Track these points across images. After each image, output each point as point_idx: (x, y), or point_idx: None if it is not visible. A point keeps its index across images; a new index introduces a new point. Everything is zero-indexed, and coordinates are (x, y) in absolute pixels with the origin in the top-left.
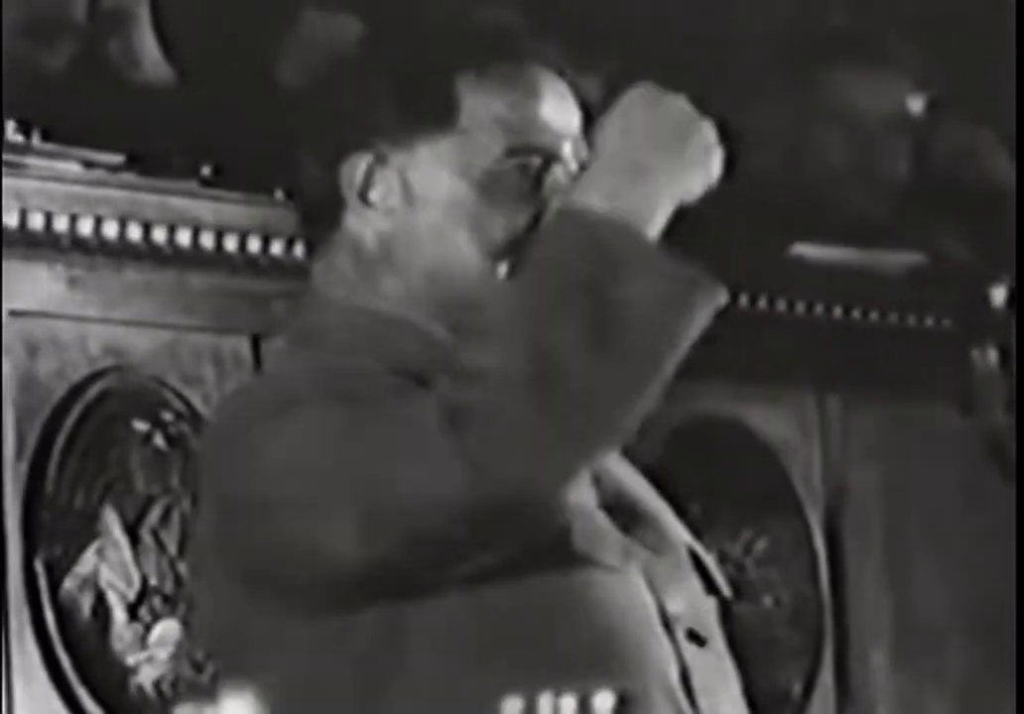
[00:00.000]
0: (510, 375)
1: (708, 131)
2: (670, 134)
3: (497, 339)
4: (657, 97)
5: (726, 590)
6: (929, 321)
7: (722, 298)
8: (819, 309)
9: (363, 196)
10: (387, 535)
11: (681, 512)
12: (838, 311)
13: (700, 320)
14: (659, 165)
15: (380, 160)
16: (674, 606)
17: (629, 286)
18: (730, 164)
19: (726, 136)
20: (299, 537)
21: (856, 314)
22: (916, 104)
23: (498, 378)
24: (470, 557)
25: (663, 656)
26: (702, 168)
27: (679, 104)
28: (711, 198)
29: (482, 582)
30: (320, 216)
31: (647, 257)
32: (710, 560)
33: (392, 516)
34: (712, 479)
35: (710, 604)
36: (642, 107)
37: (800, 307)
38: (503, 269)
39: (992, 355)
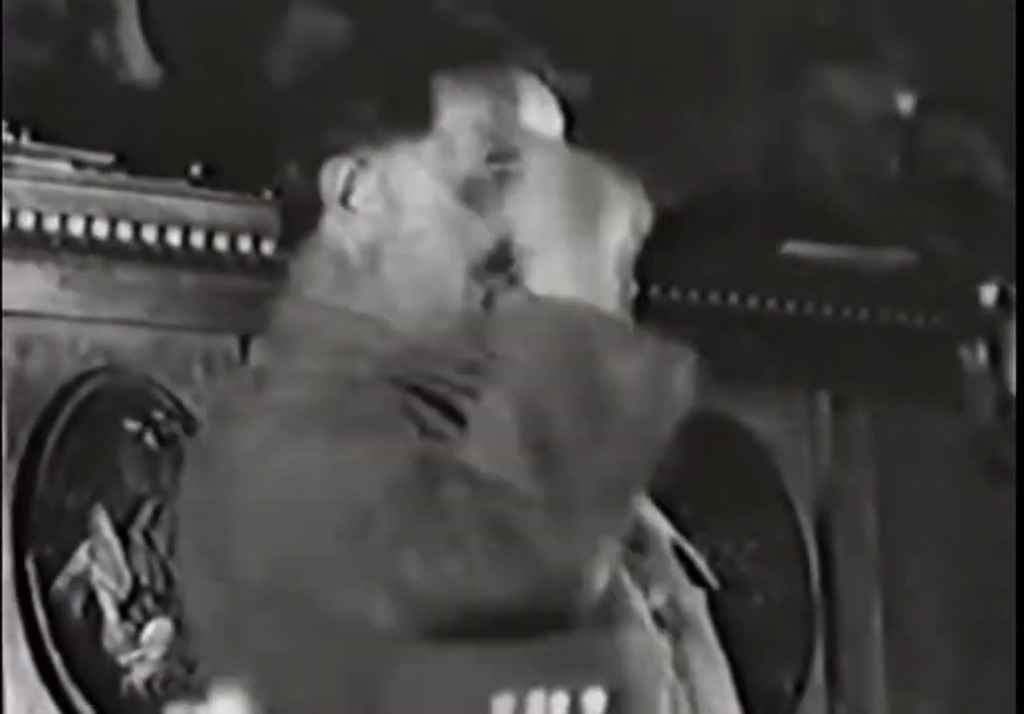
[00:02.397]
0: (520, 479)
1: (611, 180)
2: (580, 197)
3: (499, 435)
4: (556, 164)
5: (712, 581)
6: (918, 319)
7: (694, 366)
8: (809, 307)
9: (344, 200)
10: (423, 613)
11: (672, 510)
12: (828, 309)
13: (681, 389)
14: (584, 231)
15: (361, 164)
16: (658, 599)
17: (612, 368)
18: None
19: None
20: (324, 586)
21: (846, 312)
22: (906, 102)
23: (510, 483)
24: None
25: (654, 650)
26: (623, 216)
27: (580, 163)
28: (703, 198)
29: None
30: (299, 219)
31: (622, 338)
32: (694, 552)
33: (435, 605)
34: (703, 477)
35: (697, 596)
36: (550, 179)
37: (790, 305)
38: (488, 275)
39: (981, 353)
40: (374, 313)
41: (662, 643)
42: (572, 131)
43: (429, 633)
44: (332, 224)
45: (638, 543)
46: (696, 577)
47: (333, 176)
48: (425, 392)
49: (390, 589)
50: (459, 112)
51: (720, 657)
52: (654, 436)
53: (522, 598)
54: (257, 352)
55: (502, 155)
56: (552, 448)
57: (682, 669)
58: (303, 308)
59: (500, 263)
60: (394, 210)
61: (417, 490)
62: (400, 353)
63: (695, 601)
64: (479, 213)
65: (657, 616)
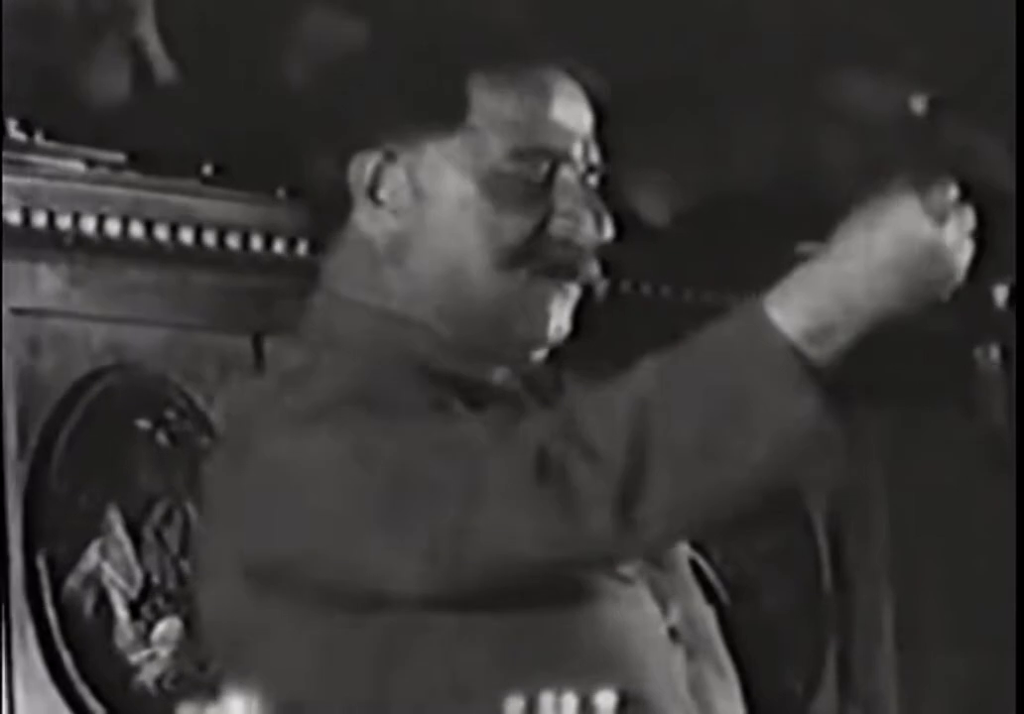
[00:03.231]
0: (605, 455)
1: (953, 266)
2: (903, 265)
3: (609, 405)
4: (910, 220)
5: (724, 599)
6: (931, 319)
7: (838, 453)
8: None
9: (372, 194)
10: (452, 573)
11: None
12: None
13: (809, 464)
14: (873, 299)
15: (389, 158)
16: (676, 617)
17: (761, 414)
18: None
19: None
20: (351, 556)
21: None
22: (919, 104)
23: (594, 452)
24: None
25: (671, 665)
26: (922, 300)
27: (928, 232)
28: (713, 199)
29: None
30: (328, 214)
31: (795, 394)
32: (710, 570)
33: (467, 556)
34: None
35: (710, 614)
36: (886, 228)
37: None
38: (515, 271)
39: (994, 354)
40: (403, 308)
41: (677, 657)
42: (602, 128)
43: (448, 594)
44: (361, 218)
45: (657, 559)
46: (710, 593)
47: (360, 170)
48: (460, 390)
49: (425, 541)
50: (489, 107)
51: (731, 670)
52: (759, 493)
53: (548, 562)
54: (288, 351)
55: (530, 150)
56: (656, 442)
57: (695, 686)
58: (334, 305)
59: (526, 258)
60: (421, 203)
61: (487, 428)
62: (434, 351)
63: (708, 616)
64: (505, 207)
65: (673, 632)
